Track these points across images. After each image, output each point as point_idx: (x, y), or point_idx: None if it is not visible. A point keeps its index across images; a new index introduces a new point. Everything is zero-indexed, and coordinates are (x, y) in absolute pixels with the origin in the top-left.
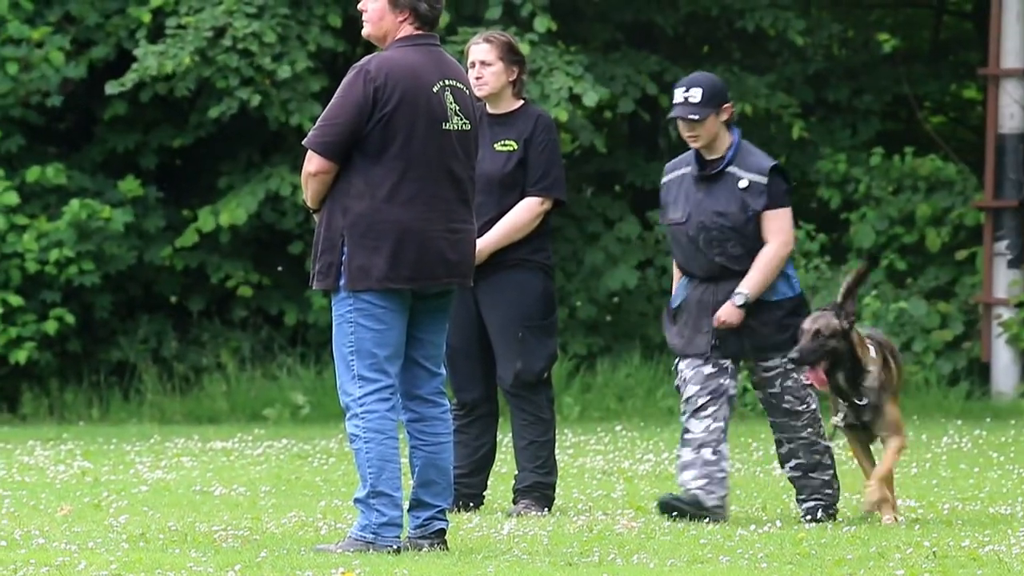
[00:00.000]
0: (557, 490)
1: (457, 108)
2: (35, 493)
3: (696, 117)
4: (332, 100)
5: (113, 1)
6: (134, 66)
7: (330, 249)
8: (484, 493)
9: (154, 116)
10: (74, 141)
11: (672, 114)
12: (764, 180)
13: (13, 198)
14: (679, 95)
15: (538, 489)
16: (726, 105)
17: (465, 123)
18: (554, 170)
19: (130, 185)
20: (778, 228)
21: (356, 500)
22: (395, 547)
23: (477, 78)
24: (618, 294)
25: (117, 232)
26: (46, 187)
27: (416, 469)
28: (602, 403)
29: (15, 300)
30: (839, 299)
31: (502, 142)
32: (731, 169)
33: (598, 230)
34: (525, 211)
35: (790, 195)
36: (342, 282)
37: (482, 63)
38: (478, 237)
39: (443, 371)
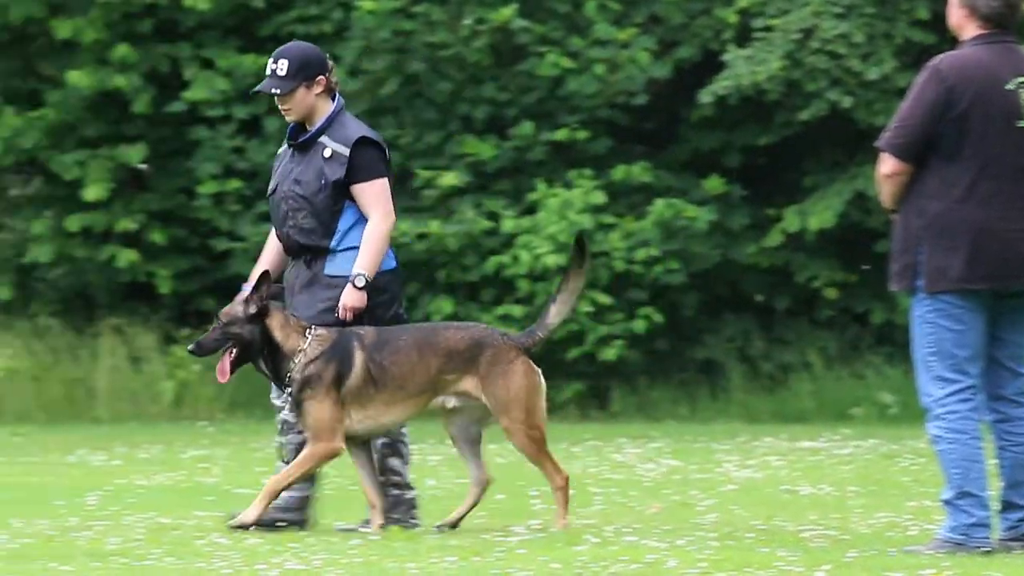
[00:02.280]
0: None
1: None
2: (625, 490)
3: (278, 91)
4: (904, 101)
5: (699, 1)
6: (725, 73)
7: (907, 250)
8: None
9: (739, 116)
10: (659, 140)
11: (257, 88)
12: (346, 151)
13: (600, 197)
14: (269, 67)
15: None
16: (319, 77)
17: None
18: None
19: (714, 183)
20: (374, 200)
21: (944, 501)
22: (985, 548)
23: None
24: None
25: (701, 231)
26: (632, 186)
27: (1004, 470)
28: None
29: (604, 299)
30: (252, 284)
31: None
32: (322, 139)
33: None
34: None
35: (386, 164)
36: (919, 283)
37: None
38: None
39: None
